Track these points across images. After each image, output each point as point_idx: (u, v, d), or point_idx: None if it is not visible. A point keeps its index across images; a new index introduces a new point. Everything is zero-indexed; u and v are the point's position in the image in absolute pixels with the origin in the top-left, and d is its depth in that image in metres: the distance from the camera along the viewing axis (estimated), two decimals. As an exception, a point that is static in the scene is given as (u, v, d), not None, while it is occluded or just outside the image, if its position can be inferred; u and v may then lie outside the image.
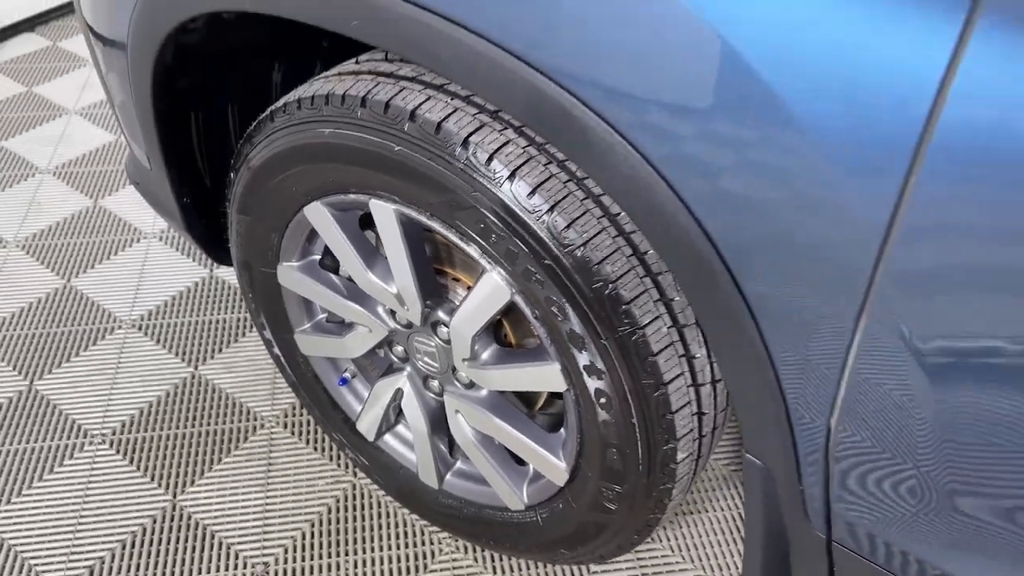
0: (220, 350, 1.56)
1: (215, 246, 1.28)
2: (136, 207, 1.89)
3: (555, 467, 1.02)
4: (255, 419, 1.45)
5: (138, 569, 1.23)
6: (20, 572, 1.21)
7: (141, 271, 1.72)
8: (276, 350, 1.28)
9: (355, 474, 1.37)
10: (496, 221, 0.84)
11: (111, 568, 1.23)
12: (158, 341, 1.57)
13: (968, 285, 0.57)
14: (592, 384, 0.89)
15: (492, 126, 0.84)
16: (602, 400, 0.90)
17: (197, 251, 1.71)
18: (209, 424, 1.43)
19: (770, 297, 0.67)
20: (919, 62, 0.52)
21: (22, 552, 1.24)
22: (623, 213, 0.82)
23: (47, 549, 1.25)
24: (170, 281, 1.70)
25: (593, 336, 0.85)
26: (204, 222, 1.27)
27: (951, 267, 0.57)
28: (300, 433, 1.43)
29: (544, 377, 0.95)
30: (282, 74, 1.26)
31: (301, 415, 1.45)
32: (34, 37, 2.69)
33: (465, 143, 0.83)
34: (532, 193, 0.82)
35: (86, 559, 1.24)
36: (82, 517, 1.29)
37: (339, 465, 1.38)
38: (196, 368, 1.52)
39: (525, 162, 0.83)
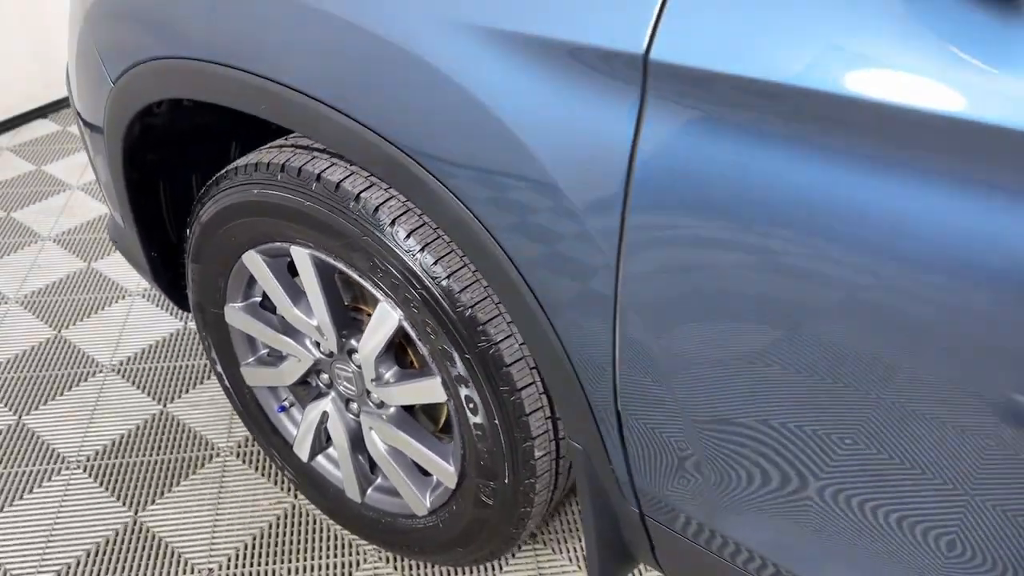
0: (187, 391, 1.76)
1: (177, 293, 1.50)
2: (124, 269, 2.12)
3: (447, 471, 1.22)
4: (212, 449, 1.64)
5: (101, 573, 1.41)
6: (-3, 575, 1.40)
7: (124, 323, 1.94)
8: (226, 382, 1.49)
9: (295, 495, 1.56)
10: (381, 260, 1.06)
11: (77, 572, 1.41)
12: (133, 383, 1.78)
13: (685, 293, 0.78)
14: (463, 392, 1.10)
15: (380, 185, 1.07)
16: (471, 405, 1.10)
17: (174, 307, 1.93)
18: (172, 453, 1.63)
19: (562, 311, 0.89)
20: (616, 145, 0.74)
21: None
22: (478, 252, 1.04)
23: (21, 555, 1.43)
24: (149, 332, 1.92)
25: (460, 352, 1.06)
26: (169, 273, 1.49)
27: (669, 284, 0.78)
28: (250, 461, 1.62)
29: (429, 389, 1.15)
30: (239, 150, 1.51)
31: (252, 446, 1.65)
32: (46, 123, 2.99)
33: (357, 198, 1.06)
34: (408, 236, 1.04)
35: (55, 564, 1.42)
36: (54, 529, 1.48)
37: (282, 488, 1.57)
38: (165, 406, 1.73)
39: (404, 212, 1.05)
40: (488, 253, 0.91)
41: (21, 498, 1.54)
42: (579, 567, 1.45)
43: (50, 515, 1.50)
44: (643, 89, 0.72)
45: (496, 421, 1.09)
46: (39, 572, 1.41)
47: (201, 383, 1.78)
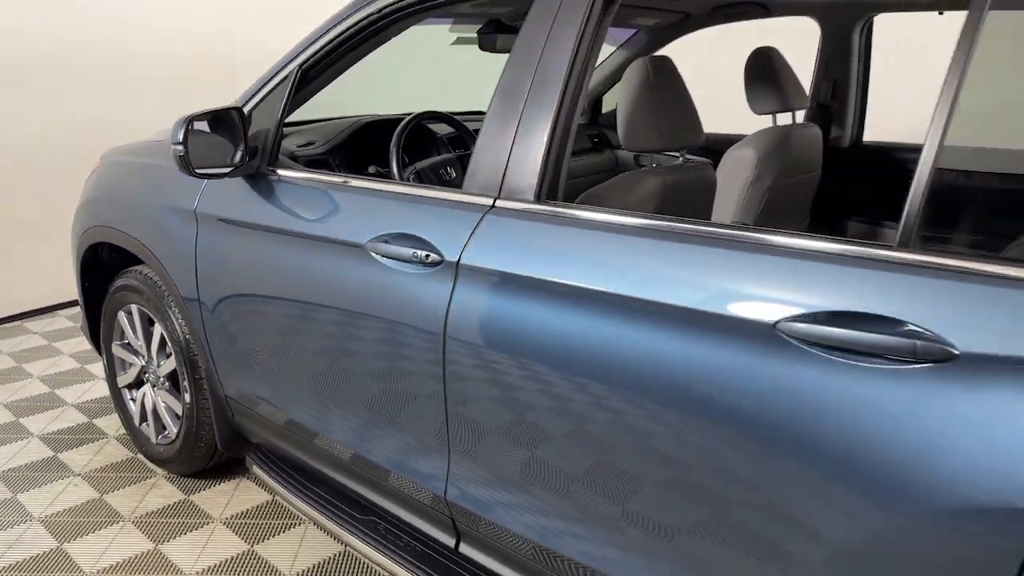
0: None
1: (96, 344, 3.11)
2: None
3: (179, 406, 2.71)
4: None
5: None
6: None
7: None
8: (112, 390, 3.03)
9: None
10: (156, 304, 2.66)
11: None
12: None
13: (216, 290, 2.35)
14: (180, 359, 2.63)
15: (156, 274, 2.70)
16: (183, 371, 2.62)
17: None
18: None
19: (190, 308, 2.45)
20: (192, 243, 2.38)
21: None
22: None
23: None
24: None
25: (179, 342, 2.61)
26: (94, 334, 3.11)
27: (212, 290, 2.35)
28: None
29: (171, 362, 2.68)
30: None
31: None
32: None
33: (152, 280, 2.68)
34: (165, 293, 2.65)
35: None
36: None
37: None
38: None
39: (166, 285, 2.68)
40: (181, 300, 2.50)
41: None
42: (262, 489, 2.82)
43: None
44: (196, 219, 2.35)
45: (188, 370, 2.60)
46: None
47: None
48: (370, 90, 3.02)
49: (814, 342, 1.22)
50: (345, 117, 2.86)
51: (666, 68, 1.89)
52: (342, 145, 2.65)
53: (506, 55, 1.75)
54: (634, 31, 3.11)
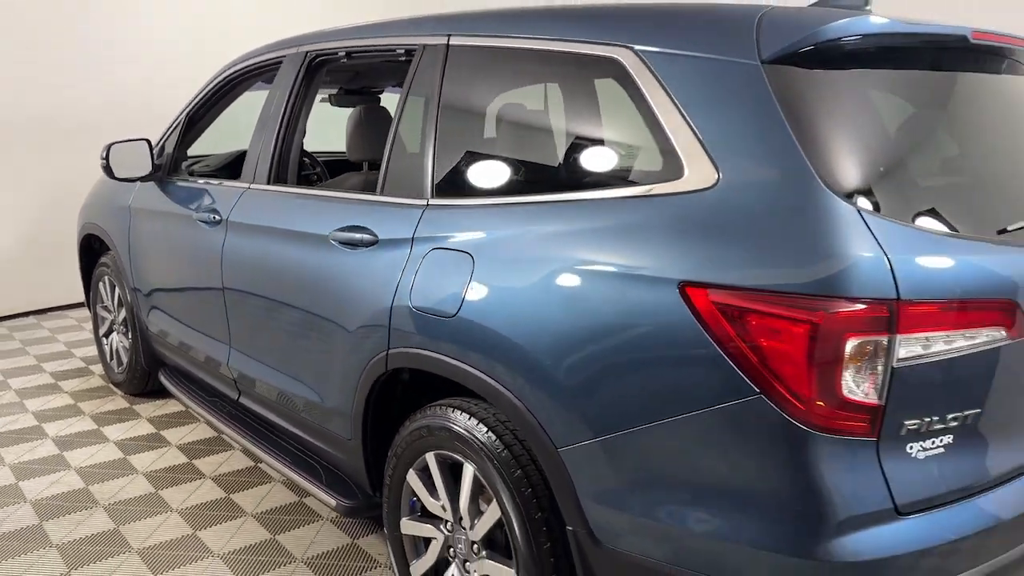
0: None
1: (91, 305, 4.46)
2: None
3: (127, 343, 4.01)
4: None
5: None
6: None
7: None
8: (96, 336, 4.36)
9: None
10: (116, 274, 3.99)
11: None
12: None
13: (137, 249, 3.65)
14: (125, 314, 3.94)
15: (113, 252, 4.04)
16: (128, 316, 3.93)
17: None
18: None
19: (124, 269, 3.76)
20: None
21: None
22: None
23: None
24: None
25: (126, 299, 3.93)
26: (88, 299, 4.47)
27: (135, 252, 3.66)
28: None
29: (125, 315, 4.00)
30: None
31: None
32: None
33: (114, 257, 4.03)
34: (120, 263, 3.99)
35: None
36: None
37: (106, 381, 4.36)
38: None
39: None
40: (123, 265, 3.83)
41: None
42: (176, 402, 4.08)
43: None
44: (130, 211, 3.68)
45: (130, 316, 3.91)
46: (17, 388, 4.24)
47: None
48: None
49: (341, 241, 2.39)
50: (234, 151, 4.19)
51: (375, 111, 3.10)
52: (226, 166, 3.96)
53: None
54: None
